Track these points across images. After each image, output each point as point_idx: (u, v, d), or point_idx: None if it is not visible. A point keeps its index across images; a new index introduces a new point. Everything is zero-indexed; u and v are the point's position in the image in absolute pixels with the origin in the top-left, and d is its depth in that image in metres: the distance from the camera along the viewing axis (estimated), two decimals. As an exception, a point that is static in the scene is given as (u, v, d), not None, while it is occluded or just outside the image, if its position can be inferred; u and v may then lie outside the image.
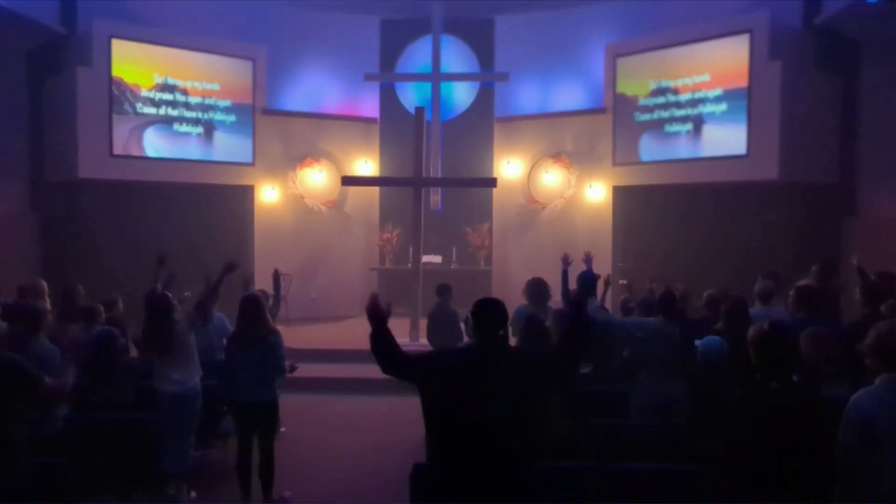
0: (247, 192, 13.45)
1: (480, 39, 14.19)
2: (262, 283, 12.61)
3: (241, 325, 5.68)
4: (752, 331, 3.65)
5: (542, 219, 13.89)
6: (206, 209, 12.77)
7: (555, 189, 13.68)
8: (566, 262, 6.82)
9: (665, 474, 3.95)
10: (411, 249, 13.85)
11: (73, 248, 11.81)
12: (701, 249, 11.69)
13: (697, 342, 5.10)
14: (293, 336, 10.23)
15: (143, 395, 5.49)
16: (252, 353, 5.56)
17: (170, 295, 5.70)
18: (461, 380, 3.40)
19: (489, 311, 3.50)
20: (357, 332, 5.98)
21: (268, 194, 13.54)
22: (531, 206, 13.94)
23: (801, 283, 6.35)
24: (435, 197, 13.80)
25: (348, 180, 12.00)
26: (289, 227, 13.71)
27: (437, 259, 13.64)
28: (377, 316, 3.54)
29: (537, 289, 6.73)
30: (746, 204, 11.58)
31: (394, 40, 14.31)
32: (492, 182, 12.18)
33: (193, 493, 5.63)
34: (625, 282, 9.24)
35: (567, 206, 13.61)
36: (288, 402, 8.16)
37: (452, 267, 13.52)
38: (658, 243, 12.27)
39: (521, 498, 3.37)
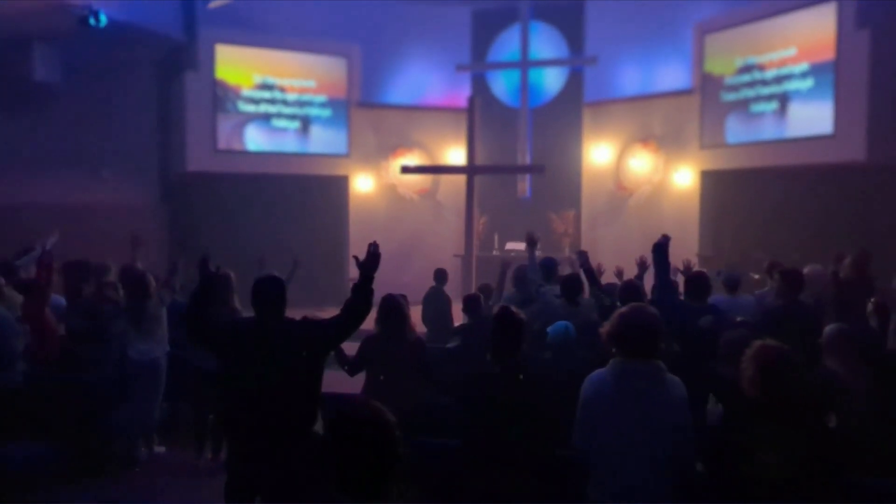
0: (342, 182, 14.26)
1: (570, 24, 14.00)
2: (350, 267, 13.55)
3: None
4: None
5: (629, 205, 13.48)
6: (304, 199, 13.63)
7: (643, 174, 13.22)
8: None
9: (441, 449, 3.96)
10: (496, 237, 14.14)
11: (189, 237, 13.18)
12: (788, 237, 10.73)
13: (549, 328, 5.03)
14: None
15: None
16: None
17: (146, 274, 6.41)
18: (240, 351, 3.75)
19: (263, 288, 3.81)
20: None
21: (362, 184, 14.28)
22: (619, 192, 13.56)
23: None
24: (522, 184, 13.89)
25: (407, 169, 12.40)
26: (382, 215, 14.31)
27: (521, 246, 13.65)
28: (208, 276, 3.93)
29: (516, 274, 7.36)
30: (834, 188, 10.51)
31: (484, 30, 14.51)
32: (540, 168, 12.11)
33: (162, 448, 6.36)
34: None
35: (655, 191, 13.11)
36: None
37: (536, 253, 13.42)
38: (744, 230, 11.46)
39: (298, 464, 3.64)
